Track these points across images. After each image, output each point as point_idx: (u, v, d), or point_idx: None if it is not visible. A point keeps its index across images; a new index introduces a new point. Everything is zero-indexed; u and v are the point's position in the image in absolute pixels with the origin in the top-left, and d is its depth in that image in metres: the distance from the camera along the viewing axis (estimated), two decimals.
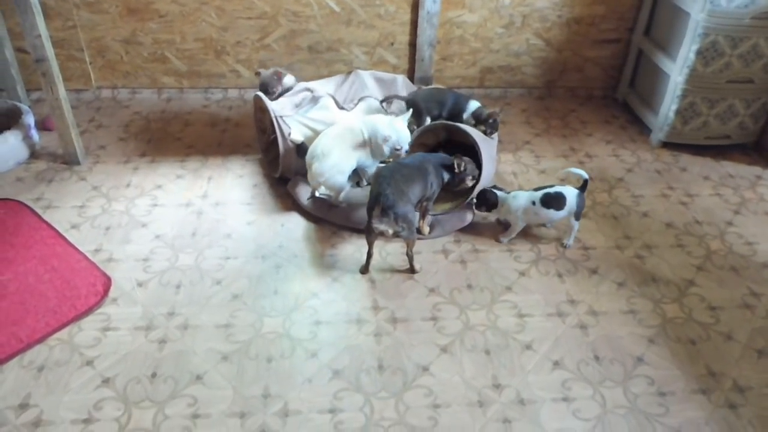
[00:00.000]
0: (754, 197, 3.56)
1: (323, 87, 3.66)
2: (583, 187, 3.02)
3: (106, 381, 2.31)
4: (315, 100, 3.53)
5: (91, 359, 2.40)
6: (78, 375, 2.33)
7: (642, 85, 4.27)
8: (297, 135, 3.26)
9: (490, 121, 3.29)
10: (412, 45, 4.26)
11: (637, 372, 2.46)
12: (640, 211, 3.40)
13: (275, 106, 3.37)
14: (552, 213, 3.00)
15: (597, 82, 4.58)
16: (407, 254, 2.86)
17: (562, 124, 4.24)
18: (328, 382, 2.35)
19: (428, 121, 3.36)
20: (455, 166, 2.95)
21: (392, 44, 4.26)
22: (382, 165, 3.12)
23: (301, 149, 3.25)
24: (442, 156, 3.03)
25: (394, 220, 2.63)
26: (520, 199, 3.02)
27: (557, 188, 3.01)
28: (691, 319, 2.73)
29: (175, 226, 3.11)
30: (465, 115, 3.36)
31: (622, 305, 2.78)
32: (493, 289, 2.83)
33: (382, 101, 3.60)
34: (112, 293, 2.69)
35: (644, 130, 4.17)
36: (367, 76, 3.74)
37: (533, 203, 2.99)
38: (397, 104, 3.63)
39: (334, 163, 3.04)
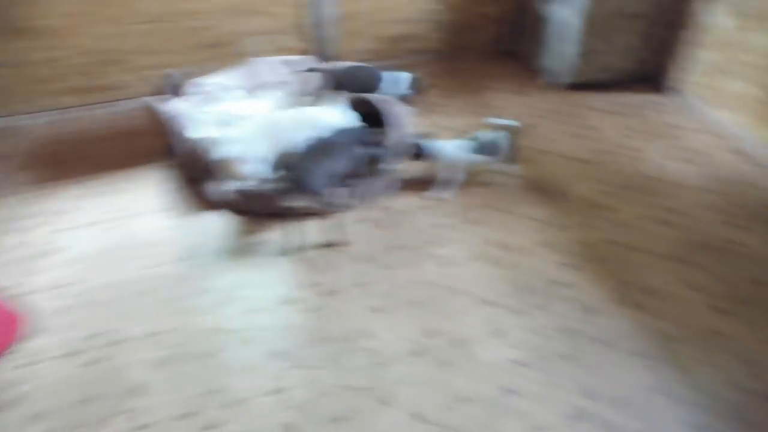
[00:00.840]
0: (656, 122, 3.79)
1: (230, 79, 3.59)
2: (511, 132, 3.13)
3: (36, 416, 2.22)
4: (223, 92, 3.47)
5: (18, 397, 2.30)
6: (4, 418, 2.23)
7: (538, 34, 4.40)
8: (197, 132, 3.20)
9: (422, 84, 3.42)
10: (315, 26, 4.24)
11: (561, 295, 2.60)
12: (553, 151, 3.54)
13: (178, 106, 3.27)
14: (485, 159, 3.13)
15: (495, 38, 4.71)
16: (333, 228, 2.89)
17: (469, 82, 4.35)
18: (269, 364, 2.37)
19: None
20: (371, 137, 3.00)
21: (295, 28, 4.22)
22: (302, 145, 3.11)
23: (212, 144, 3.20)
24: (357, 130, 3.06)
25: (313, 196, 2.66)
26: (451, 149, 3.13)
27: (489, 135, 3.14)
28: (607, 240, 2.89)
29: (89, 246, 3.00)
30: (399, 87, 3.44)
31: (542, 239, 2.91)
32: (420, 245, 2.90)
33: (308, 70, 3.56)
34: (29, 326, 2.58)
35: (548, 76, 4.32)
36: (272, 62, 3.70)
37: (466, 151, 3.11)
38: (308, 85, 3.63)
39: (252, 154, 3.02)
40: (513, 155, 3.16)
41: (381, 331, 2.48)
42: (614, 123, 3.81)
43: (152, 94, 3.44)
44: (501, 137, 3.12)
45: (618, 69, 4.08)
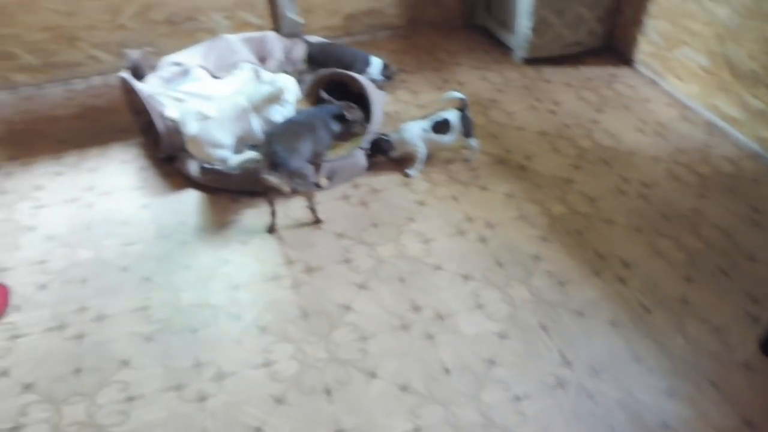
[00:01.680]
0: (611, 94, 3.89)
1: (191, 58, 3.58)
2: (463, 108, 3.20)
3: (27, 387, 2.25)
4: (185, 72, 3.46)
5: (6, 369, 2.31)
6: None
7: (496, 9, 4.47)
8: (172, 111, 3.20)
9: (393, 70, 3.40)
10: (272, 2, 4.22)
11: (537, 268, 2.70)
12: (514, 125, 3.63)
13: (145, 86, 3.27)
14: (443, 137, 3.20)
15: (456, 13, 4.75)
16: (309, 207, 2.92)
17: (431, 58, 4.39)
18: (256, 339, 2.41)
19: None
20: (345, 114, 3.03)
21: (251, 4, 4.20)
22: (278, 122, 3.13)
23: (182, 124, 3.20)
24: (330, 107, 3.08)
25: (288, 176, 2.68)
26: (412, 130, 3.18)
27: (442, 114, 3.21)
28: (575, 212, 2.99)
29: (66, 223, 2.99)
30: (372, 72, 3.42)
31: (514, 213, 3.00)
32: (397, 222, 2.96)
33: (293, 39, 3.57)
34: (13, 301, 2.58)
35: (506, 51, 4.40)
36: (234, 40, 3.70)
37: (424, 130, 3.18)
38: (272, 62, 3.63)
39: (221, 133, 3.03)
40: (467, 130, 3.22)
41: (365, 305, 2.54)
42: (571, 96, 3.91)
43: (130, 72, 3.40)
44: (453, 114, 3.20)
45: (571, 42, 4.17)
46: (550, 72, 4.15)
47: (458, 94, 3.20)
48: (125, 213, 3.05)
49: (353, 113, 3.05)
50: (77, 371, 2.30)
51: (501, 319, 2.48)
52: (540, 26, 4.01)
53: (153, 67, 3.52)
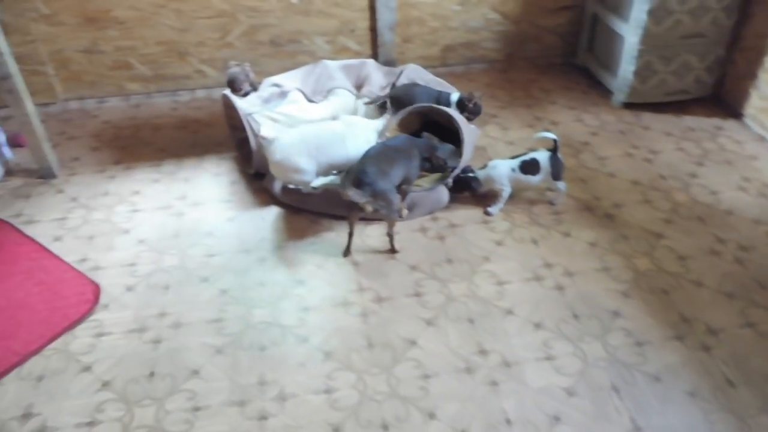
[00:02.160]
0: (715, 147, 3.69)
1: (290, 81, 3.69)
2: (554, 149, 3.14)
3: (105, 384, 2.38)
4: (283, 94, 3.58)
5: (89, 365, 2.46)
6: (77, 381, 2.40)
7: (599, 49, 4.37)
8: (267, 131, 3.31)
9: (472, 105, 3.37)
10: (373, 30, 4.32)
11: (614, 325, 2.59)
12: (606, 171, 3.51)
13: (243, 104, 3.42)
14: (531, 178, 3.15)
15: (555, 50, 4.68)
16: (388, 234, 2.94)
17: (525, 94, 4.34)
18: (320, 364, 2.44)
19: None
20: (434, 157, 3.04)
21: (353, 31, 4.31)
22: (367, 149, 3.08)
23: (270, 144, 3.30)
24: (425, 141, 3.10)
25: (372, 195, 2.71)
26: (501, 168, 3.16)
27: (531, 154, 3.17)
28: (661, 270, 2.85)
29: (157, 229, 3.16)
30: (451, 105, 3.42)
31: (596, 263, 2.89)
32: (472, 260, 2.93)
33: (368, 103, 3.62)
34: (102, 300, 2.75)
35: (605, 92, 4.28)
36: (333, 66, 3.79)
37: (513, 170, 3.15)
38: (368, 89, 3.68)
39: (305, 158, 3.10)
40: (557, 172, 3.15)
41: (431, 343, 2.52)
42: (671, 145, 3.74)
43: (227, 85, 3.58)
44: (543, 155, 3.14)
45: (676, 90, 3.99)
46: (650, 118, 4.00)
47: (550, 135, 3.15)
48: (211, 224, 3.19)
49: (440, 160, 3.06)
50: (151, 375, 2.41)
51: (571, 375, 2.38)
52: (644, 71, 3.88)
53: (250, 82, 3.67)
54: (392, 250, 2.97)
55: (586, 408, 2.26)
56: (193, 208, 3.31)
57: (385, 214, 2.83)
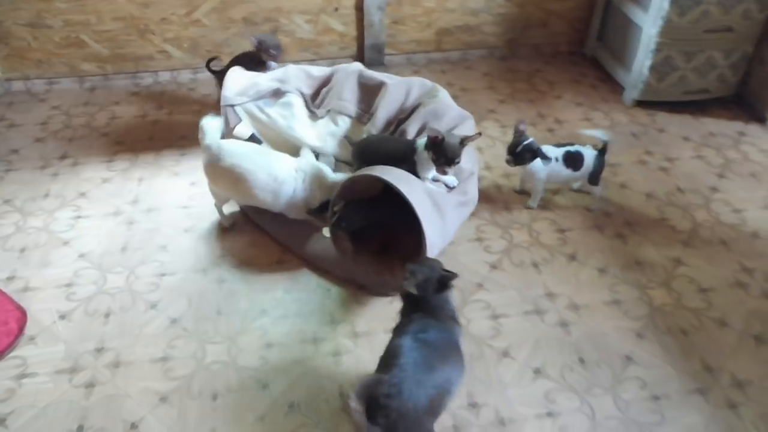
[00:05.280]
0: (738, 157, 3.30)
1: (298, 80, 3.02)
2: (602, 150, 2.81)
3: None
4: (278, 94, 2.99)
5: (2, 417, 2.06)
6: None
7: (612, 39, 3.94)
8: (244, 128, 2.86)
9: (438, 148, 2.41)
10: (359, 9, 3.85)
11: (627, 374, 2.22)
12: (617, 182, 3.12)
13: (231, 92, 2.89)
14: (570, 173, 2.82)
15: (563, 38, 4.24)
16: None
17: (528, 86, 3.91)
18: (283, 418, 2.06)
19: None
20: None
21: (337, 9, 3.85)
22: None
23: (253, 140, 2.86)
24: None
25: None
26: (540, 165, 2.79)
27: (578, 147, 2.82)
28: (680, 305, 2.48)
29: (102, 242, 2.74)
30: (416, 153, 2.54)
31: (605, 295, 2.52)
32: (464, 287, 2.54)
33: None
34: (28, 330, 2.34)
35: (616, 88, 3.86)
36: (351, 83, 2.97)
37: (556, 159, 2.78)
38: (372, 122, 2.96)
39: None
40: (597, 175, 2.83)
41: None
42: (689, 152, 3.34)
43: (260, 51, 3.32)
44: (589, 152, 2.81)
45: (696, 89, 3.58)
46: (665, 119, 3.59)
47: (603, 135, 2.81)
48: (165, 236, 2.77)
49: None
50: (79, 429, 2.02)
51: None
52: (661, 66, 3.46)
53: (272, 54, 3.32)
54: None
55: None
56: (145, 215, 2.89)
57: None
